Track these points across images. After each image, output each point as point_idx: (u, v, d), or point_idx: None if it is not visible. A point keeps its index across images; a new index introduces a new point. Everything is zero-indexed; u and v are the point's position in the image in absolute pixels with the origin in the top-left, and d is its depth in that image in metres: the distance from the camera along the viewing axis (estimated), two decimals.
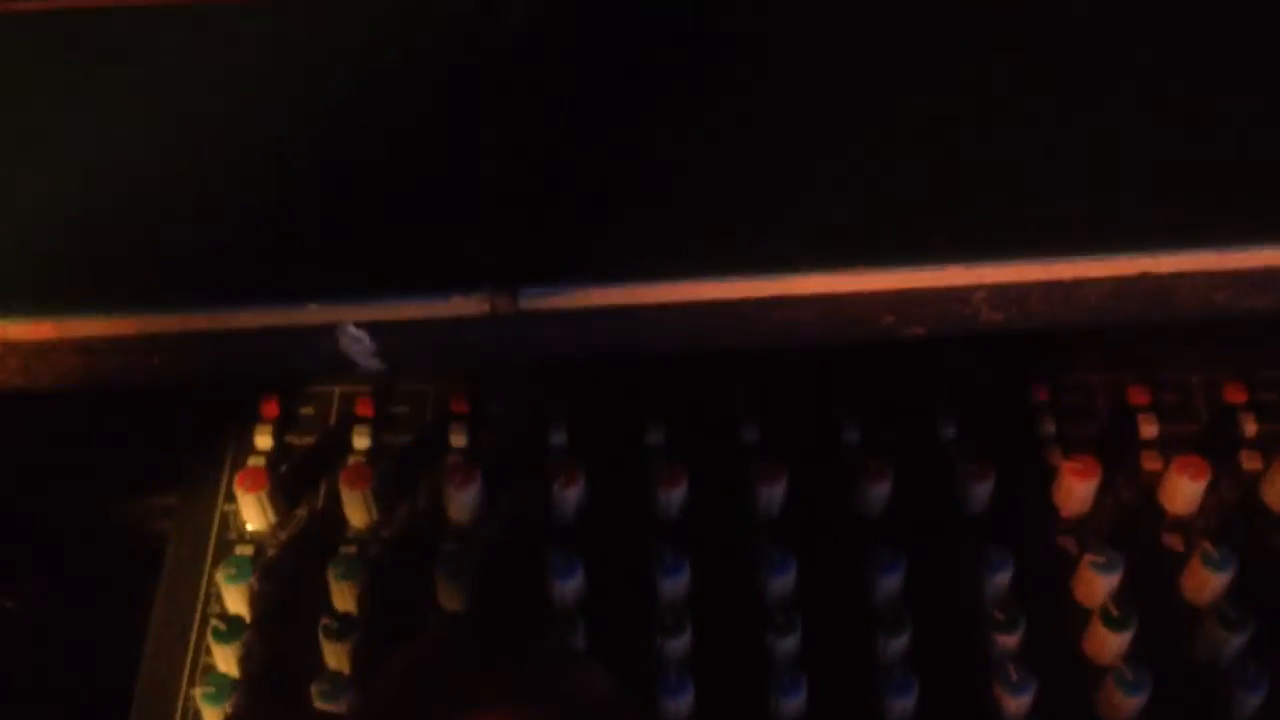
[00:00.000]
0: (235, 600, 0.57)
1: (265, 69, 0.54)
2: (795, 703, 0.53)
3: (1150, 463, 0.60)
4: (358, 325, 0.47)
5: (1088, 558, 0.56)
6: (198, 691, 0.54)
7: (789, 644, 0.55)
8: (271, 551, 0.58)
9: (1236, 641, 0.55)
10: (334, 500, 0.59)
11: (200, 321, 0.48)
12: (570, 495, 0.58)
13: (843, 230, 0.50)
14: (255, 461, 0.60)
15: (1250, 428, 0.61)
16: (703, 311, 0.49)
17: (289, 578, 0.58)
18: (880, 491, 0.58)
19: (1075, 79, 0.55)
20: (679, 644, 0.55)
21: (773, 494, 0.58)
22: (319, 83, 0.54)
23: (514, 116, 0.52)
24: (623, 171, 0.51)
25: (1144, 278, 0.51)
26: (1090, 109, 0.54)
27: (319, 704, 0.53)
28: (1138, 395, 0.62)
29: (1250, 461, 0.61)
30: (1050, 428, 0.61)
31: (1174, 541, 0.59)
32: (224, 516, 0.59)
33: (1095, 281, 0.51)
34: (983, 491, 0.59)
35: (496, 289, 0.48)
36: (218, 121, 0.52)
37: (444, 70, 0.54)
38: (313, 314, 0.47)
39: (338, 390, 0.62)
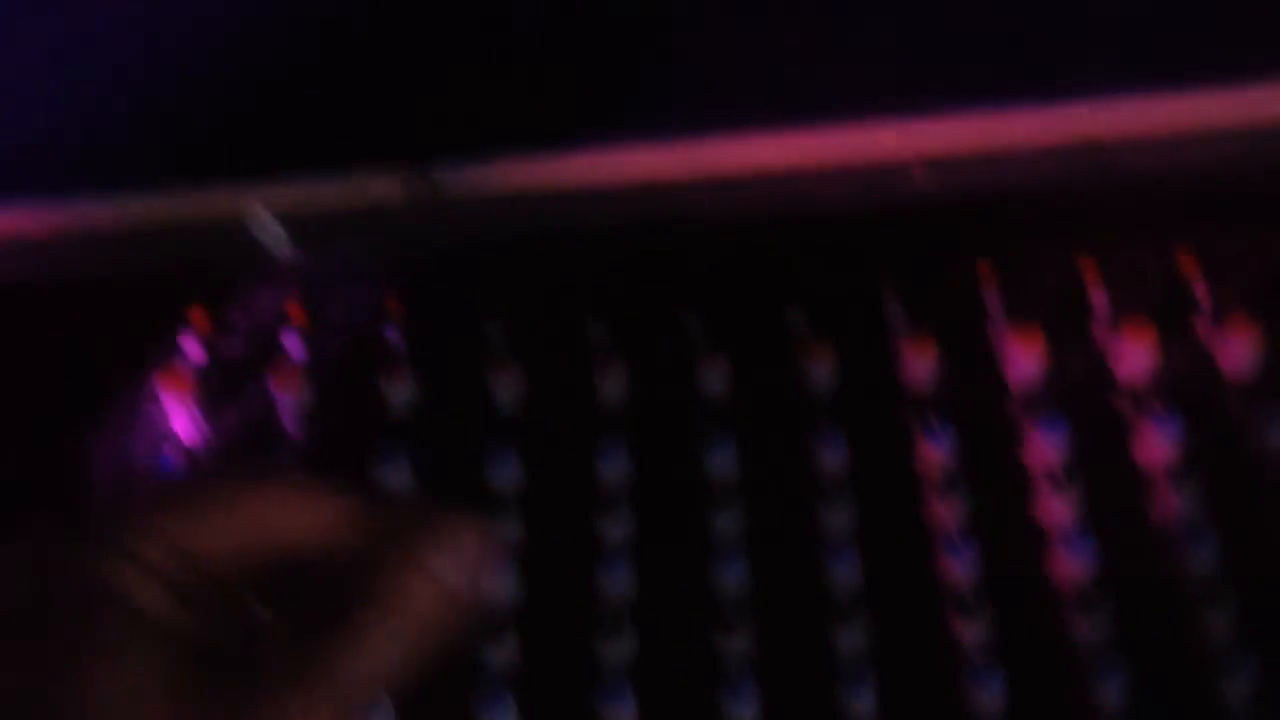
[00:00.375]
0: None
1: None
2: (735, 578, 0.52)
3: (1100, 331, 0.60)
4: (268, 210, 0.46)
5: (1035, 425, 0.55)
6: None
7: (729, 521, 0.54)
8: (202, 458, 0.57)
9: (1189, 504, 0.54)
10: (266, 405, 0.58)
11: (105, 212, 0.47)
12: (508, 387, 0.57)
13: (777, 98, 0.49)
14: (182, 368, 0.58)
15: (1203, 294, 0.60)
16: (628, 187, 0.48)
17: None
18: (823, 371, 0.57)
19: None
20: (618, 529, 0.54)
21: (715, 378, 0.58)
22: None
23: None
24: (539, 43, 0.50)
25: (1084, 140, 0.50)
26: None
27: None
28: (1087, 266, 0.61)
29: (1203, 327, 0.60)
30: (997, 301, 0.60)
31: (1124, 407, 0.58)
32: (151, 423, 0.58)
33: (1034, 147, 0.50)
34: (927, 367, 0.58)
35: (411, 168, 0.47)
36: (118, 2, 0.51)
37: None
38: (221, 199, 0.46)
39: (268, 295, 0.61)
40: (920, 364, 0.57)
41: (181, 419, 0.58)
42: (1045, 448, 0.55)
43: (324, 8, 0.51)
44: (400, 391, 0.58)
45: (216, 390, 0.58)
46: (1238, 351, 0.57)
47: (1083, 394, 0.57)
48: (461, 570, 0.38)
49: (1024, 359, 0.57)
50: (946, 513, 0.54)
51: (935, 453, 0.55)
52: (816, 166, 0.49)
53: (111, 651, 0.37)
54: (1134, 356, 0.57)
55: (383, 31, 0.50)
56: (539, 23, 0.50)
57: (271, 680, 0.37)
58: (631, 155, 0.48)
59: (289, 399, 0.57)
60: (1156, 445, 0.55)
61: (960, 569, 0.52)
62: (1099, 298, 0.59)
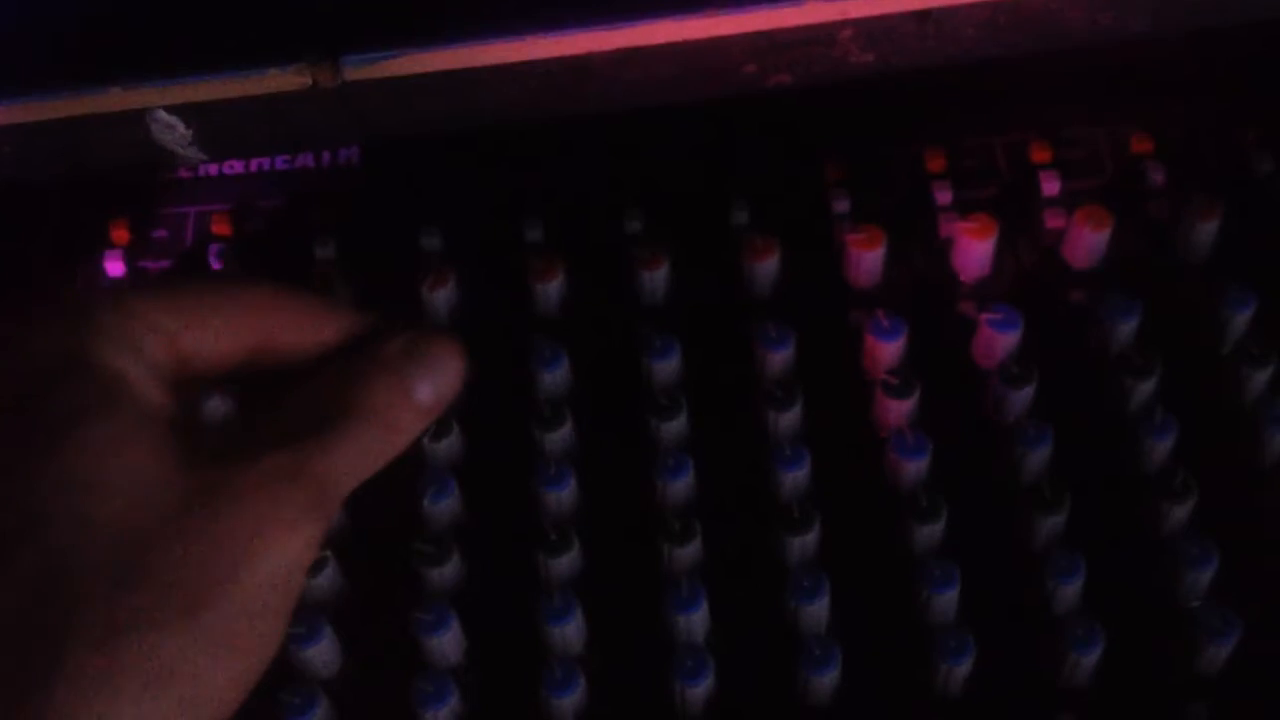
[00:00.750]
0: None
1: None
2: (682, 485, 0.51)
3: (1053, 220, 0.58)
4: (168, 110, 0.44)
5: (984, 317, 0.54)
6: None
7: (675, 428, 0.52)
8: None
9: (1144, 388, 0.52)
10: None
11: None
12: (441, 297, 0.55)
13: None
14: (104, 285, 0.56)
15: (1157, 178, 0.58)
16: (547, 71, 0.46)
17: None
18: (767, 269, 0.56)
19: None
20: (559, 439, 0.52)
21: (655, 280, 0.56)
22: None
23: None
24: None
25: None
26: None
27: None
28: (1039, 152, 0.59)
29: (1158, 210, 0.58)
30: (947, 192, 0.58)
31: (1078, 296, 0.56)
32: None
33: (970, 8, 0.47)
34: (873, 262, 0.56)
35: (317, 59, 0.45)
36: None
37: None
38: (117, 99, 0.44)
39: (193, 211, 0.59)
40: (867, 258, 0.55)
41: None
42: (996, 341, 0.53)
43: None
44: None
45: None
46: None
47: (1036, 285, 0.56)
48: (436, 391, 0.43)
49: (974, 250, 0.56)
50: (898, 411, 0.52)
51: (885, 350, 0.53)
52: (737, 40, 0.46)
53: (90, 417, 0.38)
54: (1085, 243, 0.56)
55: None
56: None
57: (251, 471, 0.39)
58: (551, 39, 0.46)
59: None
60: (1110, 330, 0.54)
61: (912, 469, 0.51)
62: (1050, 181, 0.58)
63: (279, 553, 0.39)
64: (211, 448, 0.40)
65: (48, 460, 0.38)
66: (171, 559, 0.37)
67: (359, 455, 0.41)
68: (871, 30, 0.47)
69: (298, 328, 0.43)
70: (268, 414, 0.42)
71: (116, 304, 0.41)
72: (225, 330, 0.42)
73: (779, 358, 0.53)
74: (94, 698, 0.36)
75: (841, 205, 0.58)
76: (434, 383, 0.43)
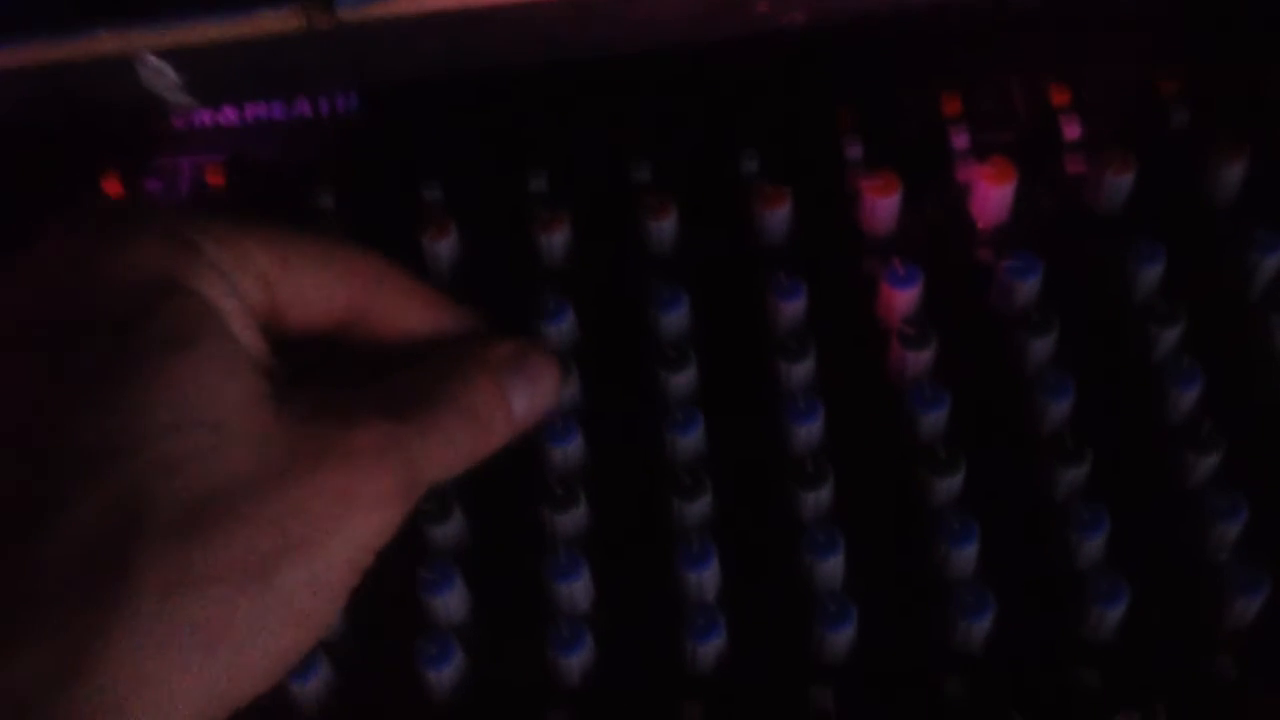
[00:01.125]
0: None
1: None
2: (692, 439, 0.49)
3: (1074, 165, 0.56)
4: (157, 54, 0.42)
5: (1003, 264, 0.52)
6: None
7: (684, 381, 0.51)
8: None
9: (1169, 336, 0.51)
10: None
11: None
12: (443, 247, 0.54)
13: None
14: None
15: (1182, 118, 0.57)
16: (548, 10, 0.44)
17: None
18: (779, 218, 0.54)
19: None
20: (565, 392, 0.50)
21: (663, 230, 0.54)
22: None
23: None
24: None
25: None
26: None
27: None
28: (1059, 95, 0.57)
29: (1182, 153, 0.56)
30: (963, 136, 0.56)
31: (1100, 242, 0.54)
32: None
33: None
34: (888, 208, 0.54)
35: None
36: None
37: None
38: (103, 43, 0.42)
39: (187, 162, 0.57)
40: (882, 205, 0.54)
41: None
42: (1016, 289, 0.52)
43: None
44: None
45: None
46: None
47: (1057, 231, 0.54)
48: (531, 404, 0.43)
49: (993, 196, 0.54)
50: (914, 362, 0.51)
51: (901, 299, 0.52)
52: None
53: (187, 346, 0.36)
54: (1107, 187, 0.54)
55: None
56: None
57: (347, 439, 0.37)
58: None
59: None
60: (1134, 276, 0.52)
61: (929, 422, 0.50)
62: (1070, 124, 0.56)
63: (360, 529, 0.37)
64: (302, 406, 0.38)
65: (141, 386, 0.35)
66: (254, 516, 0.35)
67: (450, 449, 0.40)
68: None
69: (397, 308, 0.42)
70: (362, 387, 0.40)
71: (219, 235, 0.38)
72: (324, 290, 0.40)
73: (791, 308, 0.52)
74: (148, 653, 0.34)
75: (855, 151, 0.56)
76: (531, 396, 0.43)
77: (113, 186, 0.56)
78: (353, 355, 0.41)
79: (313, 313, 0.40)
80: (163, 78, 0.43)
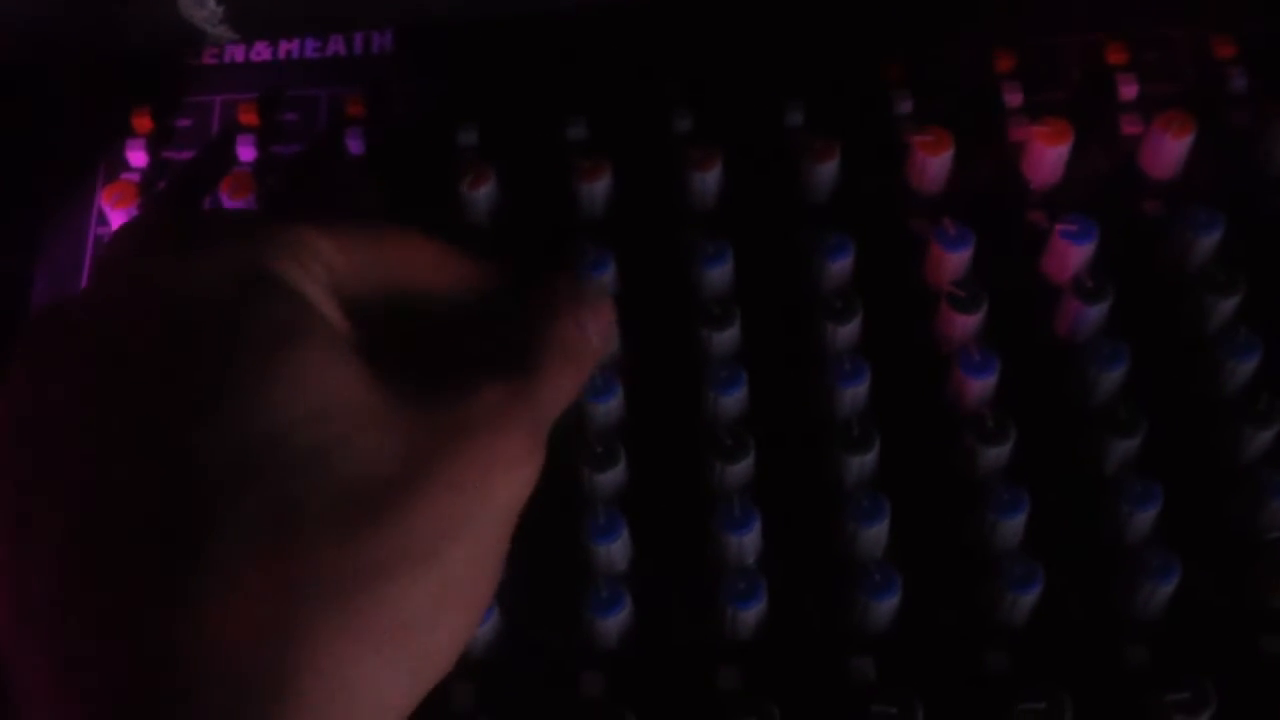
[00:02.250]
0: None
1: None
2: (734, 398, 0.48)
3: (1130, 126, 0.54)
4: None
5: (1058, 227, 0.51)
6: None
7: (727, 338, 0.49)
8: None
9: (1226, 305, 0.49)
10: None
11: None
12: (481, 195, 0.52)
13: None
14: (128, 178, 0.54)
15: (1240, 82, 0.55)
16: None
17: None
18: (826, 173, 0.52)
19: None
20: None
21: (707, 182, 0.53)
22: None
23: None
24: None
25: None
26: None
27: None
28: (1115, 54, 0.56)
29: (1240, 119, 0.54)
30: (1017, 94, 0.55)
31: (1156, 207, 0.53)
32: (97, 241, 0.53)
33: None
34: (939, 166, 0.52)
35: None
36: None
37: None
38: None
39: (219, 100, 0.56)
40: (932, 163, 0.52)
41: None
42: (1069, 254, 0.50)
43: None
44: (364, 202, 0.53)
45: (164, 203, 0.54)
46: None
47: (1112, 195, 0.53)
48: (603, 333, 0.42)
49: (1047, 156, 0.53)
50: (963, 326, 0.49)
51: (951, 260, 0.50)
52: None
53: (293, 339, 0.35)
54: (1165, 151, 0.53)
55: None
56: None
57: (471, 408, 0.37)
58: None
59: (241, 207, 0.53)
60: (1189, 244, 0.51)
61: (977, 388, 0.48)
62: (1127, 84, 0.55)
63: (506, 493, 0.37)
64: (409, 383, 0.37)
65: (262, 380, 0.34)
66: (405, 504, 0.34)
67: (559, 390, 0.40)
68: None
69: (440, 268, 0.41)
70: (453, 352, 0.40)
71: (280, 224, 0.37)
72: (379, 268, 0.39)
73: (838, 267, 0.50)
74: (346, 656, 0.32)
75: (905, 106, 0.54)
76: (600, 327, 0.42)
77: (143, 122, 0.54)
78: (414, 325, 0.40)
79: (371, 289, 0.39)
80: (202, 8, 0.42)
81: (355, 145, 0.54)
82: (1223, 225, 0.50)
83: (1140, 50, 0.56)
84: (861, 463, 0.47)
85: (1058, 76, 0.55)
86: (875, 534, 0.46)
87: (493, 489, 0.36)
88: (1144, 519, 0.46)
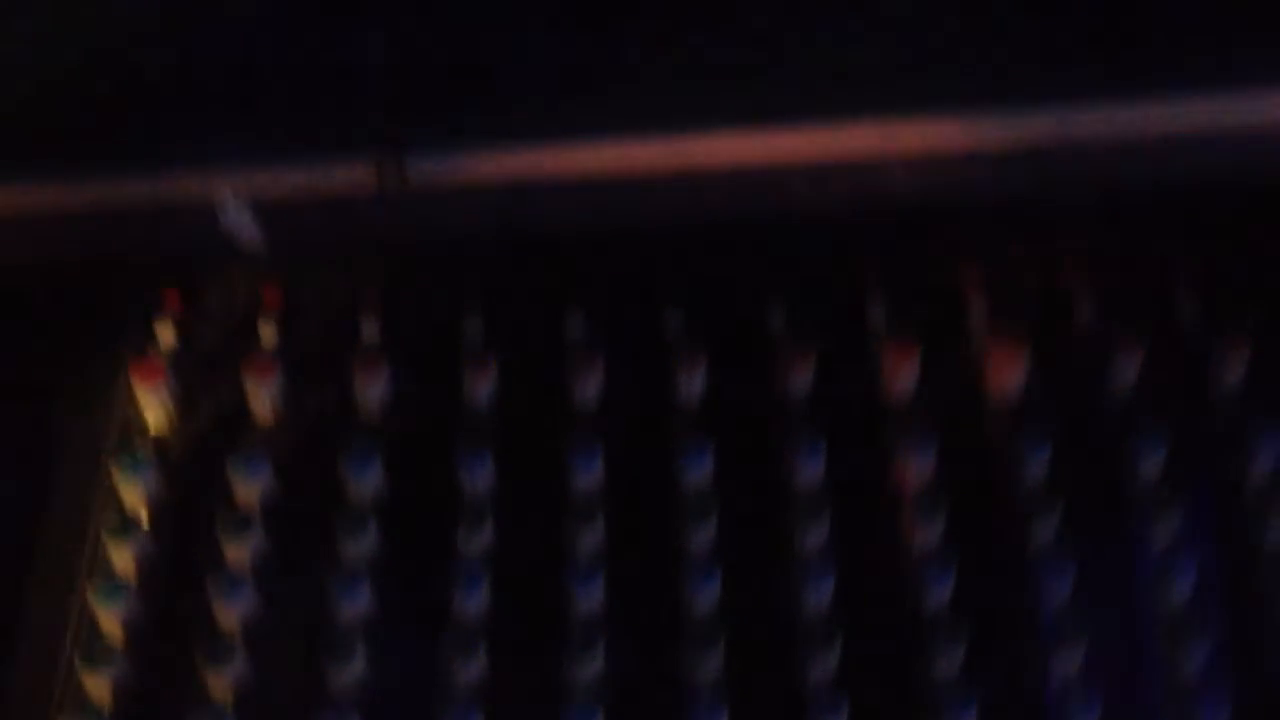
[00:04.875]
0: (132, 497, 0.55)
1: None
2: (710, 594, 0.51)
3: (1086, 346, 0.58)
4: (238, 198, 0.45)
5: (1013, 438, 0.54)
6: (91, 589, 0.52)
7: (704, 535, 0.53)
8: (172, 447, 0.56)
9: (1166, 525, 0.53)
10: (238, 393, 0.57)
11: (77, 194, 0.45)
12: (482, 387, 0.56)
13: (755, 96, 0.47)
14: (155, 354, 0.57)
15: (1194, 308, 0.59)
16: (605, 181, 0.47)
17: (188, 472, 0.55)
18: (802, 377, 0.56)
19: None
20: (590, 537, 0.53)
21: (692, 382, 0.56)
22: None
23: None
24: (513, 37, 0.49)
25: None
26: None
27: (217, 600, 0.52)
28: (1074, 277, 0.60)
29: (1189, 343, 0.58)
30: (982, 309, 0.58)
31: (1113, 422, 0.56)
32: (123, 410, 0.57)
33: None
34: (907, 376, 0.56)
35: (384, 156, 0.46)
36: None
37: None
38: (191, 183, 0.45)
39: (243, 279, 0.60)
40: (902, 372, 0.56)
41: (153, 407, 0.57)
42: (1031, 466, 0.54)
43: None
44: (374, 384, 0.56)
45: (189, 377, 0.57)
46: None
47: (1069, 410, 0.57)
48: None
49: (1008, 371, 0.57)
50: (925, 531, 0.53)
51: (916, 467, 0.54)
52: (792, 164, 0.48)
53: None
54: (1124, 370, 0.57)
55: (356, 15, 0.49)
56: (514, 18, 0.48)
57: None
58: (608, 149, 0.47)
59: (262, 387, 0.56)
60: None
61: (937, 592, 0.52)
62: (1083, 308, 0.59)
63: None
64: None
65: None
66: None
67: None
68: (920, 163, 0.48)
69: None
70: None
71: None
72: None
73: (810, 468, 0.54)
74: None
75: (877, 314, 0.58)
76: None
77: (172, 301, 0.58)
78: None
79: None
80: (241, 221, 0.46)
81: (369, 329, 0.58)
82: (1166, 444, 0.54)
83: (1107, 274, 0.59)
84: (824, 661, 0.50)
85: (1020, 295, 0.59)
86: None
87: None
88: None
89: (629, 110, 0.48)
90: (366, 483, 0.54)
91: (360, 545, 0.53)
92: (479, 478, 0.54)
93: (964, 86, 0.51)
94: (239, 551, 0.53)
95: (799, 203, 0.49)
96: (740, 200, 0.49)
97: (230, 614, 0.51)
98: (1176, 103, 0.54)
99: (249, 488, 0.54)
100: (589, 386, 0.56)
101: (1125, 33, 0.52)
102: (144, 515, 0.54)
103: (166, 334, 0.57)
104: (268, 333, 0.58)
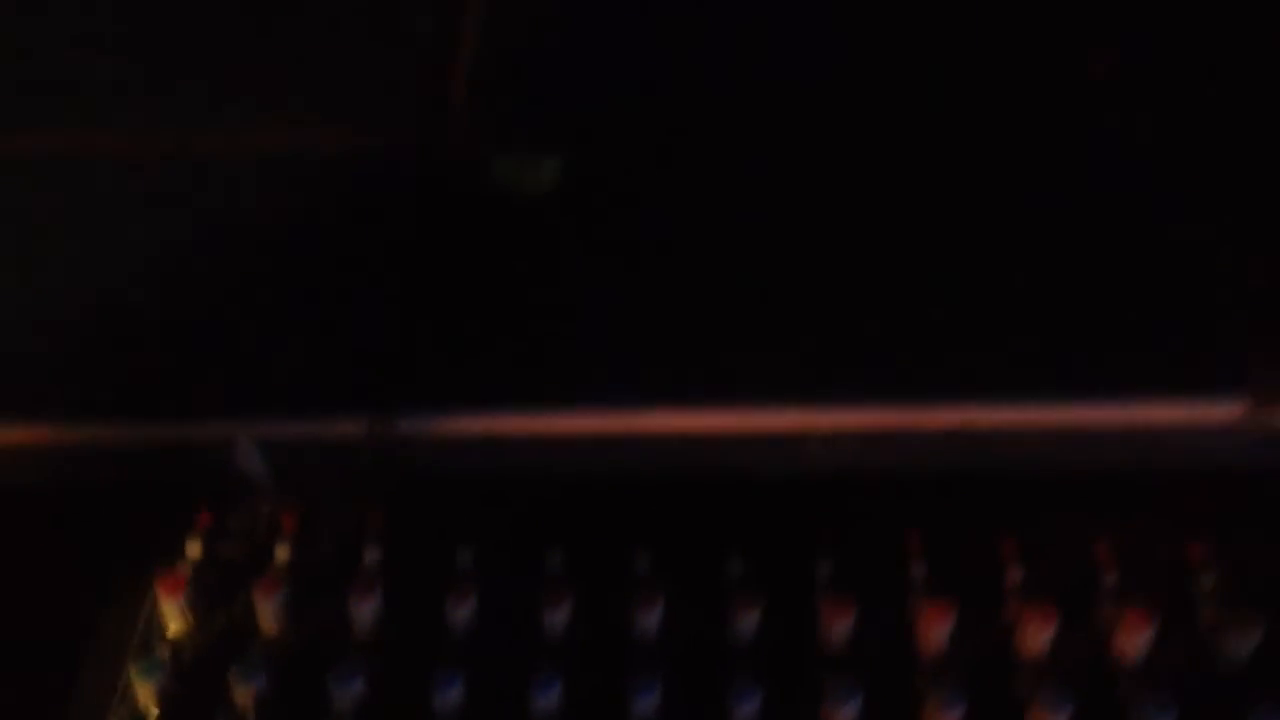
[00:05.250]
0: (145, 695, 0.58)
1: (172, 222, 0.60)
2: None
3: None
4: (251, 442, 0.51)
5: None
6: None
7: None
8: (186, 653, 0.60)
9: None
10: (250, 609, 0.60)
11: (123, 433, 0.55)
12: (463, 614, 0.58)
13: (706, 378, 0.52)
14: (182, 567, 0.62)
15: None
16: (574, 446, 0.51)
17: (197, 678, 0.59)
18: (749, 623, 0.56)
19: None
20: None
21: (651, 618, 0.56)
22: (221, 237, 0.59)
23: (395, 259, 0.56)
24: (497, 312, 0.54)
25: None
26: None
27: None
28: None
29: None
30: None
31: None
32: (148, 618, 0.61)
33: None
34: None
35: (377, 413, 0.51)
36: (137, 262, 0.57)
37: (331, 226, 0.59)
38: (212, 429, 0.52)
39: (267, 506, 0.64)
40: (838, 625, 0.55)
41: (173, 614, 0.61)
42: None
43: (310, 275, 0.57)
44: (367, 609, 0.59)
45: (207, 590, 0.61)
46: None
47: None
48: None
49: (935, 629, 0.55)
50: None
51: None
52: (733, 433, 0.50)
53: None
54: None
55: (360, 292, 0.56)
56: (504, 292, 0.55)
57: None
58: (575, 420, 0.52)
59: (268, 603, 0.60)
60: None
61: None
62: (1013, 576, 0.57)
63: None
64: None
65: None
66: None
67: None
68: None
69: None
70: None
71: None
72: None
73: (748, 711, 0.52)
74: None
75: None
76: None
77: (204, 520, 0.63)
78: None
79: None
80: (253, 461, 0.52)
81: (371, 555, 0.61)
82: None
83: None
84: None
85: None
86: None
87: None
88: None
89: (599, 387, 0.53)
90: (349, 694, 0.56)
91: None
92: (449, 699, 0.55)
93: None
94: None
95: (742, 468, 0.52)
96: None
97: None
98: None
99: (246, 692, 0.57)
100: (558, 619, 0.57)
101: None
102: (153, 712, 0.58)
103: (193, 551, 0.62)
104: (279, 555, 0.62)
